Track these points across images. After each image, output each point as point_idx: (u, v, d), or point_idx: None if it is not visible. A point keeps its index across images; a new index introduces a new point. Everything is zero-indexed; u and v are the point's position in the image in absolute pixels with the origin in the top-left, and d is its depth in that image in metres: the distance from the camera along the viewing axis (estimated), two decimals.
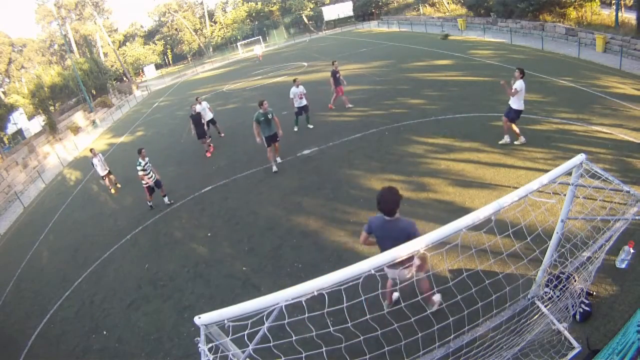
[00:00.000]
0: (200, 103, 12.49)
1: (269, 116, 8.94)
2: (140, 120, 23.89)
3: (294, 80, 11.22)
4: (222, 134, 13.71)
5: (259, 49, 32.24)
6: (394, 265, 3.39)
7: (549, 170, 2.55)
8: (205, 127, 12.07)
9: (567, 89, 10.60)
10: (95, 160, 11.10)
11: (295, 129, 11.84)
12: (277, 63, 29.99)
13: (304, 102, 11.23)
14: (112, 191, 11.55)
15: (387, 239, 3.43)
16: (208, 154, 12.17)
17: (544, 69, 12.88)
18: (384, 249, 3.38)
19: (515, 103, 7.73)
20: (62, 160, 19.28)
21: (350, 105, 12.78)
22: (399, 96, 13.14)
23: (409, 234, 3.22)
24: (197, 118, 11.64)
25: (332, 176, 8.54)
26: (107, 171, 11.42)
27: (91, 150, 11.46)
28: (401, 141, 9.40)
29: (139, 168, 8.85)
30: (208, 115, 12.87)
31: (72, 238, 9.52)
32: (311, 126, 11.81)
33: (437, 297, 4.19)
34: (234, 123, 15.42)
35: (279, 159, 9.93)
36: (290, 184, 8.70)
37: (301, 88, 11.09)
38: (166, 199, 9.51)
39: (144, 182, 9.05)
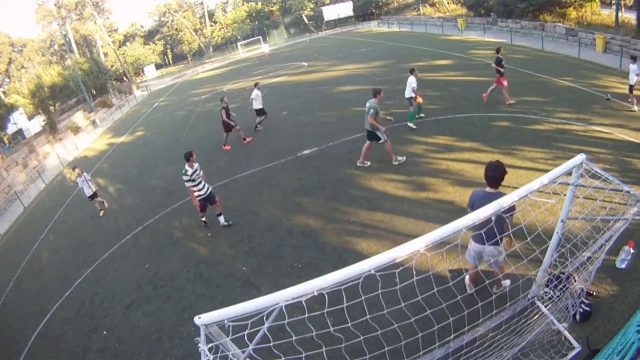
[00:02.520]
0: (258, 88, 12.49)
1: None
2: (140, 120, 23.89)
3: (412, 70, 9.85)
4: (260, 128, 13.34)
5: (266, 48, 32.84)
6: (481, 239, 3.58)
7: (549, 170, 2.55)
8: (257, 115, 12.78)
9: (567, 89, 10.60)
10: (79, 180, 9.66)
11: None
12: (277, 63, 29.99)
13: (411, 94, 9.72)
14: (101, 214, 10.19)
15: None
16: (246, 141, 12.34)
17: (544, 69, 12.89)
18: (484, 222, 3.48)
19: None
20: (62, 160, 19.28)
21: (512, 102, 10.19)
22: (399, 96, 13.12)
23: (509, 208, 3.24)
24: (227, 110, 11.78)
25: (332, 176, 8.54)
26: (93, 192, 9.86)
27: (74, 168, 10.09)
28: (401, 141, 9.40)
29: (185, 179, 6.90)
30: (257, 104, 12.65)
31: (72, 238, 9.51)
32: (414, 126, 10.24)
33: (506, 282, 4.36)
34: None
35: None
36: (290, 184, 8.70)
37: (411, 79, 9.65)
38: (222, 219, 7.62)
39: (192, 197, 7.28)
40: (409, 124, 10.11)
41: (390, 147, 8.07)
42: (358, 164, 8.57)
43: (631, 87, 8.82)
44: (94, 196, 9.96)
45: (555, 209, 5.00)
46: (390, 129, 10.29)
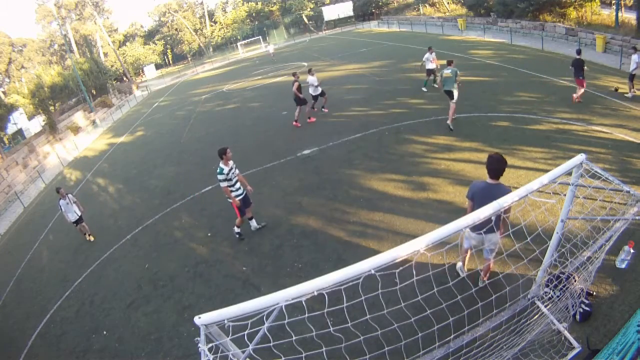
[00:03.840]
0: (313, 74, 12.36)
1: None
2: (140, 120, 23.90)
3: (429, 48, 13.04)
4: (325, 109, 13.32)
5: (271, 48, 33.17)
6: (480, 231, 3.68)
7: (549, 170, 2.55)
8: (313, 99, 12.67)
9: (567, 89, 10.60)
10: (62, 203, 8.40)
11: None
12: (277, 63, 30.00)
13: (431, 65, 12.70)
14: (91, 238, 8.87)
15: (489, 200, 3.67)
16: (310, 120, 12.52)
17: (544, 69, 12.88)
18: None
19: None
20: (62, 160, 19.28)
21: (580, 101, 9.71)
22: (399, 96, 13.14)
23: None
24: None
25: (332, 176, 8.54)
26: (79, 216, 8.66)
27: (58, 190, 8.57)
28: (401, 141, 9.40)
29: (220, 178, 6.17)
30: (315, 90, 12.54)
31: (72, 238, 9.51)
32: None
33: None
34: (234, 123, 15.44)
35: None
36: (290, 184, 8.70)
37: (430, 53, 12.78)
38: (254, 223, 7.07)
39: (230, 198, 6.41)
40: (423, 88, 13.03)
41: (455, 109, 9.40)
42: (449, 123, 9.44)
43: (631, 76, 9.38)
44: (79, 221, 8.72)
45: (555, 209, 5.00)
46: (390, 129, 10.30)
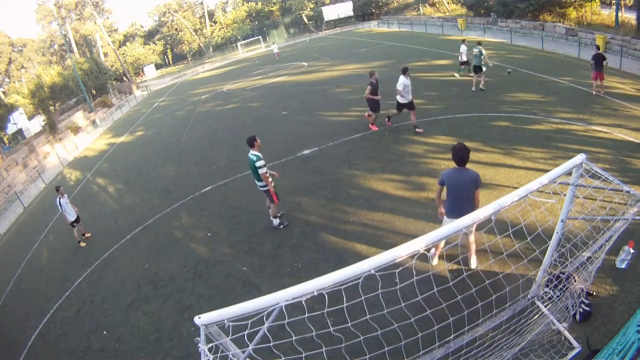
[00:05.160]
0: (408, 75, 9.48)
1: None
2: (140, 120, 23.90)
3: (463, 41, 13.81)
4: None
5: (276, 47, 33.34)
6: (457, 214, 4.01)
7: (549, 170, 2.55)
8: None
9: (567, 89, 10.60)
10: (62, 201, 8.42)
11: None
12: (277, 63, 30.00)
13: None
14: (82, 244, 8.77)
15: (458, 184, 4.30)
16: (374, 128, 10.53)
17: (544, 69, 12.88)
18: (453, 195, 4.37)
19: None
20: (62, 160, 19.28)
21: (601, 93, 9.98)
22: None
23: (476, 180, 4.23)
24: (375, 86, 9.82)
25: (332, 176, 8.54)
26: (75, 217, 8.70)
27: (57, 188, 8.51)
28: (401, 141, 9.40)
29: (260, 163, 6.22)
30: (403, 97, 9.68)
31: (72, 238, 9.50)
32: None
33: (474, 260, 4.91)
34: (234, 123, 15.45)
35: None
36: (290, 184, 8.70)
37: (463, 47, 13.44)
38: (276, 221, 7.03)
39: (268, 185, 6.41)
40: (455, 74, 14.10)
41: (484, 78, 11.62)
42: (481, 87, 11.74)
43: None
44: (77, 220, 8.76)
45: (555, 209, 5.00)
46: (390, 129, 10.29)
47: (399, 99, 9.48)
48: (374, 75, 10.07)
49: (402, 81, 9.24)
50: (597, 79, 9.83)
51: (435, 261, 5.10)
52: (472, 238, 4.66)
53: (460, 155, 4.26)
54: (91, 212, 10.84)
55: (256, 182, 6.65)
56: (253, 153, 6.29)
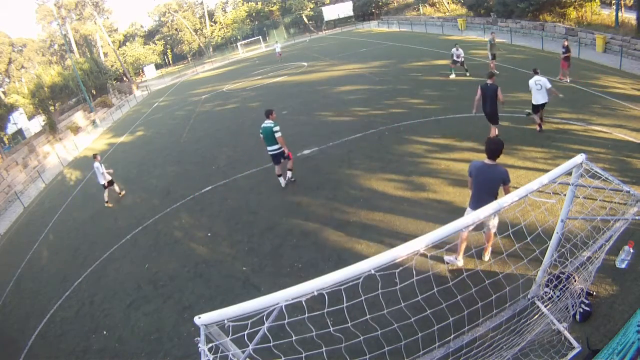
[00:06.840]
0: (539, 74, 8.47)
1: None
2: (140, 120, 23.89)
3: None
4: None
5: (278, 47, 33.41)
6: (481, 205, 3.94)
7: (549, 170, 2.55)
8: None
9: (567, 89, 10.60)
10: (96, 165, 10.21)
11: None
12: (277, 63, 30.00)
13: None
14: (108, 205, 10.59)
15: (483, 177, 4.28)
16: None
17: (544, 69, 12.79)
18: (477, 187, 4.37)
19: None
20: (62, 160, 19.28)
21: (566, 80, 11.34)
22: (399, 96, 13.14)
23: (504, 178, 4.13)
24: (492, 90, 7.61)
25: (332, 176, 8.54)
26: (107, 180, 10.45)
27: (94, 155, 10.46)
28: (401, 141, 9.40)
29: (277, 128, 7.47)
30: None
31: (72, 238, 9.52)
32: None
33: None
34: (234, 123, 15.44)
35: None
36: (290, 184, 8.70)
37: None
38: (282, 180, 8.52)
39: (285, 147, 7.77)
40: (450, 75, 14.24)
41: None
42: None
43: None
44: (111, 183, 10.64)
45: (555, 209, 5.00)
46: (390, 129, 10.29)
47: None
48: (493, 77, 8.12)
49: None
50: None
51: (461, 262, 4.94)
52: (493, 231, 4.62)
53: (492, 148, 4.17)
54: (91, 212, 10.84)
55: (267, 148, 7.80)
56: (269, 122, 7.43)
